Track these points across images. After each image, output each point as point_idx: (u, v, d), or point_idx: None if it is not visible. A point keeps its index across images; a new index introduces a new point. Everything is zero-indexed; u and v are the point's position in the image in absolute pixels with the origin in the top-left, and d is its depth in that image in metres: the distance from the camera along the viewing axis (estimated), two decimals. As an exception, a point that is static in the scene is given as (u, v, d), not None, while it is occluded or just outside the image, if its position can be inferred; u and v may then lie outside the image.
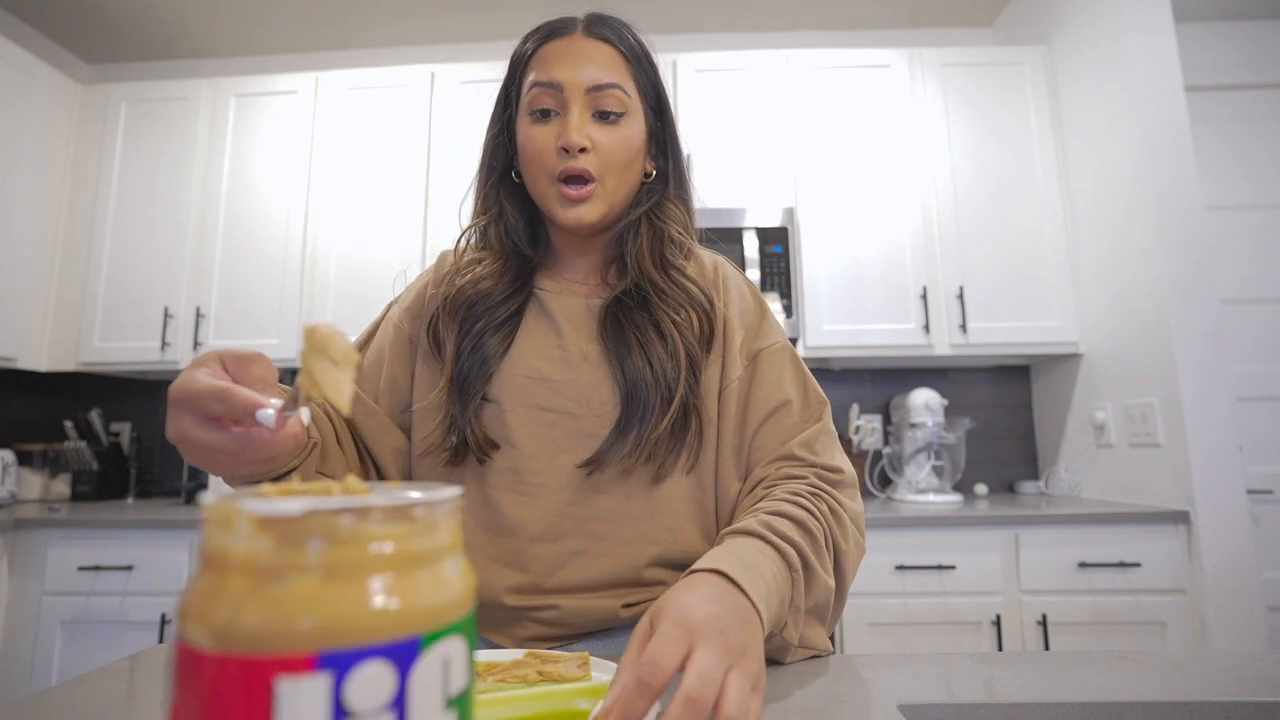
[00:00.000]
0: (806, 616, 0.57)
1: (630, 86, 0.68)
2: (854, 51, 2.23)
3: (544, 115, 0.67)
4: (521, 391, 0.68)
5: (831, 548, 0.60)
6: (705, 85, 2.21)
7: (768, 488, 0.65)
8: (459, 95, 2.25)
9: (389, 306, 0.79)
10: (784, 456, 0.67)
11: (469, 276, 0.71)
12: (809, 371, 0.72)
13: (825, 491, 0.64)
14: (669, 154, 0.74)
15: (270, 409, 0.44)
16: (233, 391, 0.45)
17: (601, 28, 0.69)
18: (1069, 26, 2.13)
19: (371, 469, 0.71)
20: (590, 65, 0.66)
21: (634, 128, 0.69)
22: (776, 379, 0.69)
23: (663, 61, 0.74)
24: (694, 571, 0.48)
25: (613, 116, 0.67)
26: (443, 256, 0.79)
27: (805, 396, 0.70)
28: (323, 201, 2.22)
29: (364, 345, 0.76)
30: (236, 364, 0.48)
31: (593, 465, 0.65)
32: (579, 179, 0.66)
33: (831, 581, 0.59)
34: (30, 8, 2.44)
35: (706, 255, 0.77)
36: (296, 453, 0.59)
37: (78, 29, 2.58)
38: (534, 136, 0.67)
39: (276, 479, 0.56)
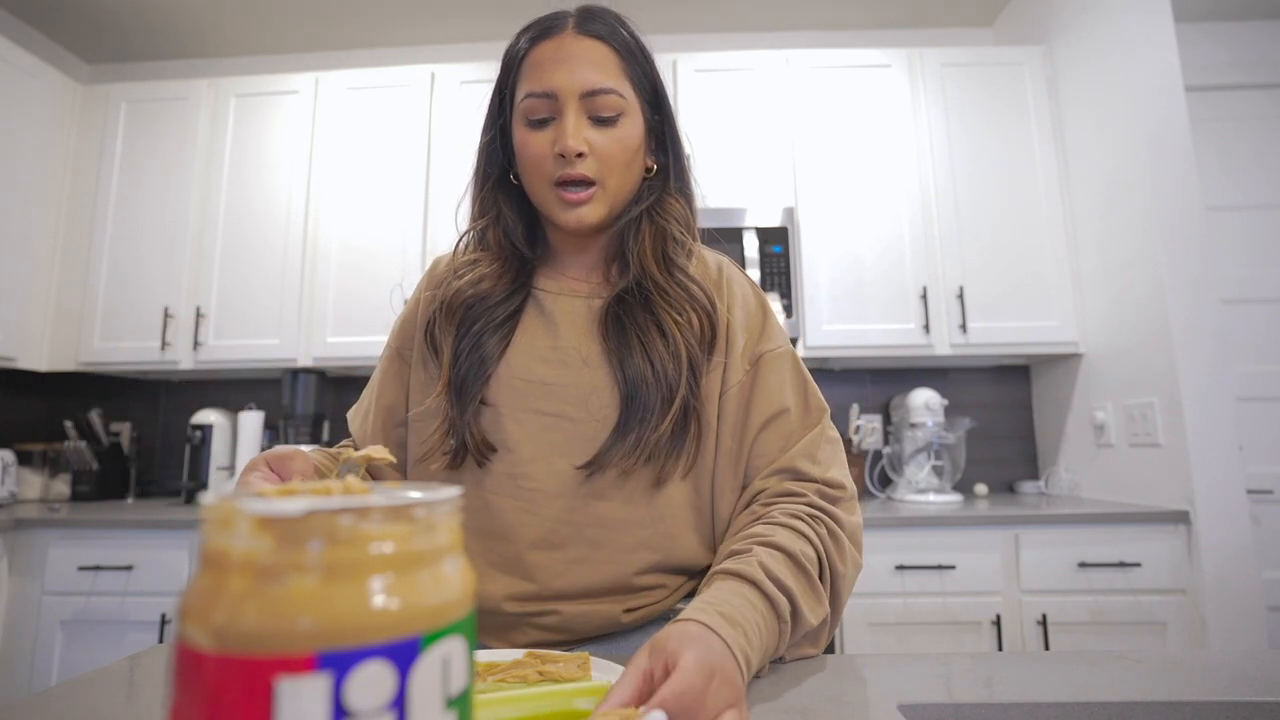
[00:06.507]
0: (795, 644, 0.59)
1: (625, 86, 0.67)
2: (854, 51, 2.23)
3: (540, 124, 0.66)
4: (518, 395, 0.67)
5: (829, 574, 0.60)
6: (705, 85, 2.21)
7: (765, 504, 0.64)
8: (459, 95, 2.25)
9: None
10: (785, 470, 0.66)
11: (467, 278, 0.70)
12: (810, 377, 0.72)
13: (824, 512, 0.63)
14: (669, 149, 0.73)
15: None
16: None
17: (593, 24, 0.67)
18: (1069, 27, 2.13)
19: None
20: (583, 68, 0.65)
21: (631, 127, 0.68)
22: (778, 384, 0.68)
23: (663, 61, 0.74)
24: (684, 620, 0.48)
25: (609, 120, 0.66)
26: (435, 262, 0.78)
27: (805, 403, 0.69)
28: (323, 202, 2.22)
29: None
30: (279, 463, 0.55)
31: (593, 467, 0.64)
32: (579, 183, 0.66)
33: (825, 610, 0.59)
34: (30, 8, 2.44)
35: (710, 256, 0.76)
36: None
37: (78, 29, 2.57)
38: (530, 142, 0.67)
39: None
